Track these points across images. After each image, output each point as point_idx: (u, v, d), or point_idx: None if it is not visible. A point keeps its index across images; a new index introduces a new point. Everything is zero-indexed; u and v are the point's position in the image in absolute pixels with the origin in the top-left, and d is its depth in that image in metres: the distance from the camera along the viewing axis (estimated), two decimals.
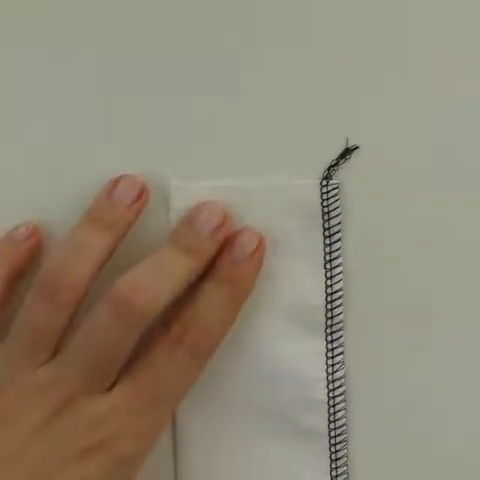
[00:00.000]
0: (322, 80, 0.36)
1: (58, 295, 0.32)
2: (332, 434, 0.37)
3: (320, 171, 0.36)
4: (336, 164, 0.36)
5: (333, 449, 0.37)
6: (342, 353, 0.36)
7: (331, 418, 0.36)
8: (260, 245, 0.34)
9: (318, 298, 0.36)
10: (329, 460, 0.37)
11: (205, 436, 0.37)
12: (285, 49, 0.36)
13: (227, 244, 0.34)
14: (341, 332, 0.36)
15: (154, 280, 0.32)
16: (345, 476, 0.37)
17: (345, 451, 0.37)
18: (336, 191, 0.36)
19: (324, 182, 0.36)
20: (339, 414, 0.36)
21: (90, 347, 0.32)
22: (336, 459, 0.37)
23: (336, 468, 0.37)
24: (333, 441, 0.37)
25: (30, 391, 0.31)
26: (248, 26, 0.36)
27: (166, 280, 0.32)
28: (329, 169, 0.36)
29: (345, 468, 0.37)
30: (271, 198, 0.36)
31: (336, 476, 0.37)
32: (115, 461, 0.32)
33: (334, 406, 0.36)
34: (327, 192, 0.36)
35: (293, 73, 0.36)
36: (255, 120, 0.36)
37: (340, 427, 0.37)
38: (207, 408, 0.37)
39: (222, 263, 0.34)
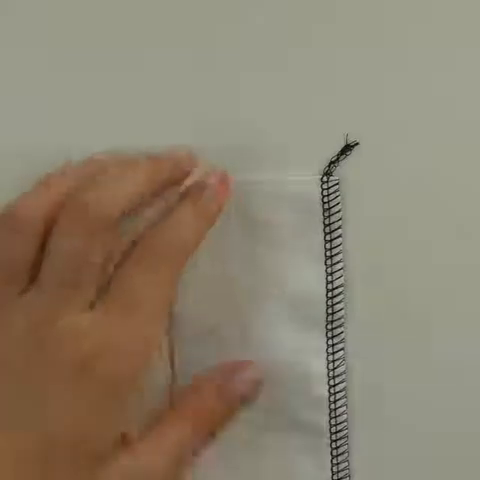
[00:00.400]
0: (322, 76, 0.36)
1: (24, 227, 0.31)
2: (333, 430, 0.37)
3: (321, 167, 0.36)
4: (336, 160, 0.36)
5: (334, 445, 0.37)
6: (343, 349, 0.36)
7: (332, 414, 0.36)
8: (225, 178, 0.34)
9: (319, 294, 0.36)
10: (330, 456, 0.37)
11: None
12: (285, 46, 0.36)
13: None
14: (342, 328, 0.36)
15: (114, 183, 0.32)
16: (346, 472, 0.37)
17: (346, 447, 0.37)
18: (337, 187, 0.36)
19: (325, 178, 0.36)
20: (340, 410, 0.36)
21: (60, 261, 0.31)
22: (337, 455, 0.37)
23: (337, 464, 0.37)
24: (334, 437, 0.37)
25: (13, 317, 0.31)
26: (248, 25, 0.36)
27: (125, 184, 0.32)
28: (329, 165, 0.36)
29: (346, 464, 0.37)
30: (272, 194, 0.36)
31: (337, 472, 0.37)
32: (102, 382, 0.31)
33: (335, 402, 0.36)
34: (328, 188, 0.36)
35: (294, 69, 0.36)
36: (255, 116, 0.36)
37: (341, 423, 0.37)
38: None
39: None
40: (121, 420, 0.31)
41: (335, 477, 0.37)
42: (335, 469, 0.37)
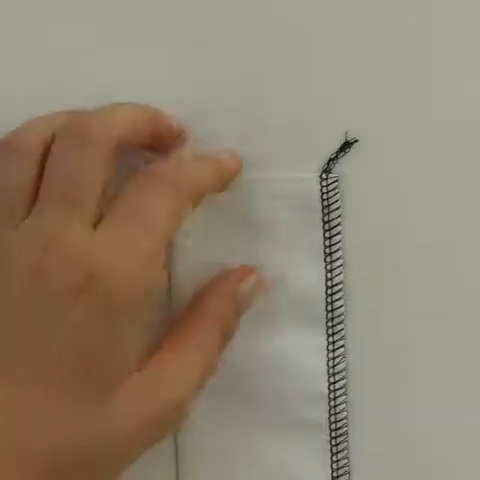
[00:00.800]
0: (322, 73, 0.36)
1: (20, 154, 0.31)
2: (333, 427, 0.37)
3: (319, 164, 0.36)
4: (336, 157, 0.36)
5: (334, 442, 0.37)
6: (343, 346, 0.36)
7: (332, 411, 0.36)
8: None
9: (318, 291, 0.36)
10: (330, 453, 0.37)
11: (205, 428, 0.37)
12: (284, 43, 0.36)
13: None
14: (342, 325, 0.36)
15: (110, 110, 0.32)
16: (346, 469, 0.37)
17: (346, 444, 0.37)
18: (336, 184, 0.36)
19: (324, 175, 0.36)
20: (340, 407, 0.36)
21: (57, 180, 0.30)
22: (337, 452, 0.37)
23: (337, 461, 0.37)
24: (334, 434, 0.37)
25: (12, 244, 0.30)
26: (247, 22, 0.36)
27: (120, 113, 0.32)
28: (328, 162, 0.36)
29: (346, 461, 0.37)
30: (271, 191, 0.36)
31: (336, 469, 0.37)
32: (107, 299, 0.29)
33: (335, 399, 0.36)
34: (327, 185, 0.36)
35: (293, 66, 0.36)
36: (254, 113, 0.36)
37: (341, 420, 0.37)
38: (207, 401, 0.36)
39: None
40: (130, 340, 0.30)
41: (335, 474, 0.37)
42: (335, 466, 0.37)
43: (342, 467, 0.37)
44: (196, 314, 0.33)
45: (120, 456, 0.30)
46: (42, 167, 0.31)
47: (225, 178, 0.34)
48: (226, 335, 0.34)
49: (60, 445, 0.29)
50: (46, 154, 0.31)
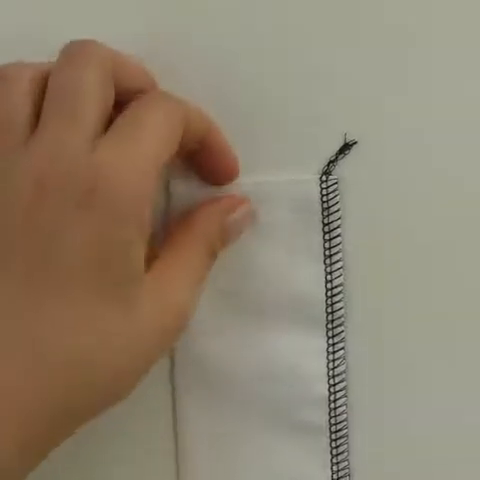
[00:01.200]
0: (321, 75, 0.35)
1: (17, 78, 0.31)
2: (333, 429, 0.37)
3: (319, 166, 0.36)
4: (335, 159, 0.35)
5: (334, 444, 0.37)
6: (343, 348, 0.36)
7: (332, 413, 0.36)
8: None
9: (318, 293, 0.36)
10: (330, 455, 0.37)
11: (205, 432, 0.37)
12: (284, 44, 0.35)
13: None
14: (342, 327, 0.36)
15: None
16: (346, 471, 0.37)
17: (346, 446, 0.37)
18: (335, 186, 0.35)
19: (323, 177, 0.35)
20: (340, 410, 0.36)
21: (59, 95, 0.30)
22: (337, 454, 0.37)
23: (337, 463, 0.37)
24: (334, 436, 0.37)
25: (21, 161, 0.30)
26: (248, 23, 0.36)
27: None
28: (328, 164, 0.36)
29: (346, 463, 0.37)
30: (270, 193, 0.36)
31: (337, 471, 0.37)
32: (112, 203, 0.29)
33: (335, 401, 0.36)
34: (327, 187, 0.36)
35: (292, 68, 0.35)
36: (254, 116, 0.36)
37: (341, 422, 0.37)
38: (207, 404, 0.36)
39: None
40: (134, 243, 0.30)
41: (335, 476, 0.37)
42: (335, 468, 0.37)
43: (342, 469, 0.37)
44: (186, 233, 0.34)
45: (142, 360, 0.30)
46: (42, 92, 0.31)
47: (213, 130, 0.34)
48: (212, 256, 0.34)
49: (81, 343, 0.29)
50: (44, 81, 0.31)
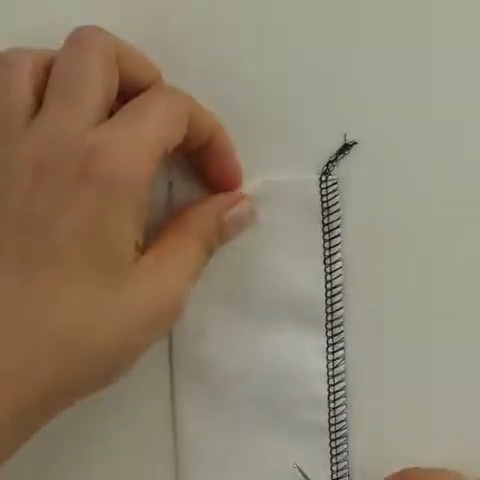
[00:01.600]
0: (321, 75, 0.35)
1: (18, 62, 0.31)
2: (332, 429, 0.37)
3: (319, 166, 0.36)
4: (335, 159, 0.35)
5: (333, 444, 0.37)
6: (343, 348, 0.36)
7: (331, 413, 0.36)
8: None
9: (318, 293, 0.36)
10: (330, 455, 0.37)
11: (205, 432, 0.37)
12: (284, 44, 0.35)
13: None
14: (342, 327, 0.36)
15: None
16: (345, 471, 0.37)
17: (345, 446, 0.37)
18: (335, 186, 0.36)
19: (323, 177, 0.35)
20: (339, 409, 0.36)
21: (61, 80, 0.31)
22: (336, 454, 0.37)
23: (336, 463, 0.37)
24: (333, 436, 0.37)
25: (21, 142, 0.30)
26: (247, 24, 0.36)
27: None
28: (328, 164, 0.36)
29: (345, 463, 0.37)
30: (270, 193, 0.36)
31: (336, 471, 0.37)
32: (105, 182, 0.29)
33: (334, 401, 0.36)
34: (326, 187, 0.36)
35: (292, 68, 0.35)
36: (254, 116, 0.36)
37: (340, 422, 0.37)
38: (206, 404, 0.37)
39: None
40: (130, 226, 0.30)
41: (334, 476, 0.37)
42: (334, 468, 0.37)
43: (341, 469, 0.37)
44: (183, 226, 0.34)
45: (131, 343, 0.30)
46: (44, 77, 0.31)
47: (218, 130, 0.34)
48: (208, 251, 0.34)
49: (74, 322, 0.29)
50: (47, 67, 0.31)
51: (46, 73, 0.31)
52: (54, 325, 0.29)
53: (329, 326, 0.36)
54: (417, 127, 0.36)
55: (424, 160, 0.36)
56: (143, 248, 0.31)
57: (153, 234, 0.33)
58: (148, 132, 0.31)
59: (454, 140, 0.36)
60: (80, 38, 0.31)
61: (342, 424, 0.37)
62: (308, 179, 0.36)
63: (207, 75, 0.36)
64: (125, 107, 0.31)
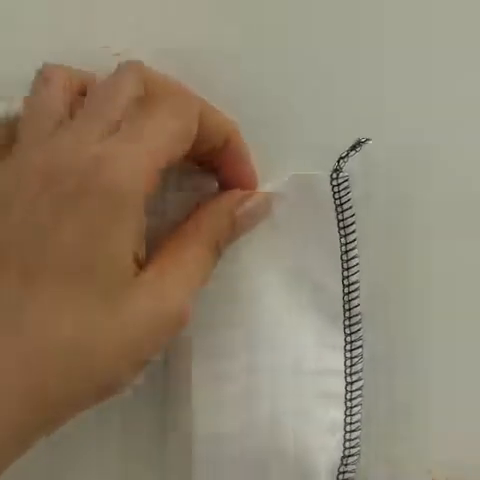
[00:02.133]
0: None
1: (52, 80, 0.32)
2: (347, 428, 0.36)
3: (319, 166, 0.36)
4: (346, 156, 0.35)
5: (347, 445, 0.36)
6: (361, 347, 0.36)
7: (347, 412, 0.36)
8: None
9: (335, 290, 0.35)
10: (342, 454, 0.36)
11: (211, 431, 0.36)
12: (284, 44, 0.36)
13: None
14: (360, 325, 0.36)
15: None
16: (352, 475, 0.37)
17: (358, 448, 0.36)
18: (347, 184, 0.35)
19: (334, 175, 0.35)
20: (355, 409, 0.36)
21: (93, 99, 0.32)
22: (348, 456, 0.36)
23: (346, 465, 0.37)
24: (348, 436, 0.36)
25: (32, 157, 0.31)
26: (247, 24, 0.36)
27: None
28: (339, 161, 0.35)
29: (354, 466, 0.37)
30: (282, 191, 0.35)
31: (343, 473, 0.37)
32: (105, 207, 0.29)
33: (351, 400, 0.36)
34: (338, 184, 0.35)
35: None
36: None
37: (356, 422, 0.36)
38: (222, 396, 0.36)
39: None
40: (132, 238, 0.30)
41: (340, 477, 0.37)
42: (342, 469, 0.37)
43: (350, 472, 0.37)
44: (192, 226, 0.33)
45: (132, 358, 0.30)
46: (77, 95, 0.32)
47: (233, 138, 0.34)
48: (220, 249, 0.33)
49: (67, 336, 0.29)
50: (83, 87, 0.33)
51: (80, 92, 0.33)
52: (55, 339, 0.29)
53: (347, 323, 0.36)
54: (417, 127, 0.37)
55: (424, 160, 0.37)
56: (144, 261, 0.31)
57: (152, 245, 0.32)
58: (153, 143, 0.31)
59: (455, 139, 0.37)
60: (118, 69, 0.32)
61: (357, 424, 0.36)
62: (319, 176, 0.35)
63: (207, 75, 0.35)
64: (134, 114, 0.31)
